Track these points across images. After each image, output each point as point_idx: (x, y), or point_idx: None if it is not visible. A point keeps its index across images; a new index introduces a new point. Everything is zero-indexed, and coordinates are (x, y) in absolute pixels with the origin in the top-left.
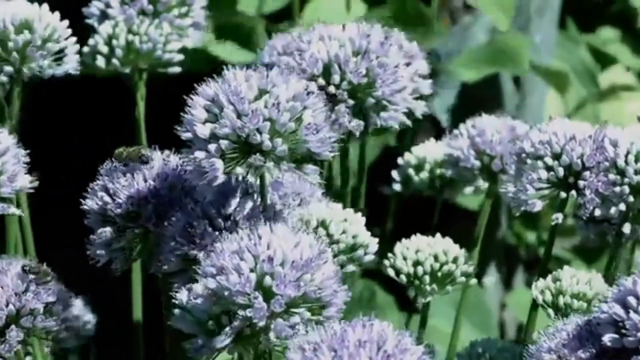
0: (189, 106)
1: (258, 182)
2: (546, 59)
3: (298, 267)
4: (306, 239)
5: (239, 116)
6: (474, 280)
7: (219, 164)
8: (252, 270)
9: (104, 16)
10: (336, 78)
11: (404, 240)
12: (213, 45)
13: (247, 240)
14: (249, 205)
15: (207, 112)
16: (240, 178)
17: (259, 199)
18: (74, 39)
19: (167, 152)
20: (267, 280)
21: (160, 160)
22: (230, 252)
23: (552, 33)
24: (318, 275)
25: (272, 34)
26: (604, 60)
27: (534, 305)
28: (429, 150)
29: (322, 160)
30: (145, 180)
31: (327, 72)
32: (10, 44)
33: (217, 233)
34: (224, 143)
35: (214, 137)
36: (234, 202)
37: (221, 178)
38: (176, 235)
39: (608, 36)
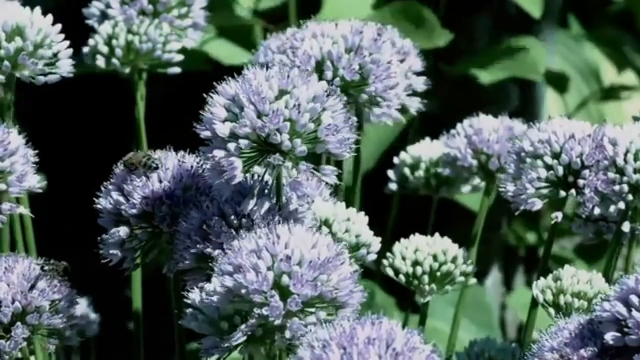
0: (209, 104)
1: (275, 181)
2: (548, 59)
3: (315, 267)
4: (324, 239)
5: (259, 116)
6: (473, 280)
7: (238, 162)
8: (269, 269)
9: (104, 16)
10: (329, 74)
11: (402, 239)
12: (212, 46)
13: (266, 239)
14: (267, 205)
15: (226, 111)
16: (256, 177)
17: (276, 199)
18: (67, 42)
19: (182, 152)
20: (285, 279)
21: (175, 161)
22: (248, 251)
23: (553, 31)
24: (335, 275)
25: (268, 34)
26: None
27: (534, 304)
28: (425, 149)
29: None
30: (160, 181)
31: (319, 69)
32: (2, 52)
33: (232, 231)
34: (243, 142)
35: (234, 136)
36: (251, 201)
37: (239, 177)
38: (192, 233)
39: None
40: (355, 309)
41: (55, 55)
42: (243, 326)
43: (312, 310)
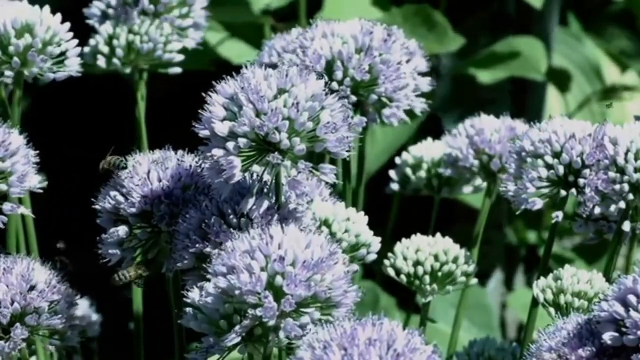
0: (208, 104)
1: (274, 180)
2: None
3: (309, 267)
4: (317, 239)
5: (258, 115)
6: (474, 280)
7: (237, 161)
8: (263, 270)
9: (104, 16)
10: (339, 74)
11: (404, 239)
12: (223, 46)
13: (259, 239)
14: (266, 204)
15: (225, 110)
16: (255, 176)
17: (274, 198)
18: (75, 41)
19: (181, 152)
20: (278, 279)
21: (175, 160)
22: (242, 252)
23: (553, 30)
24: (328, 275)
25: (275, 32)
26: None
27: (534, 304)
28: (427, 150)
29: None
30: (159, 180)
31: (329, 69)
32: (11, 48)
33: (231, 231)
34: (242, 141)
35: (233, 135)
36: (250, 200)
37: (238, 176)
38: (190, 233)
39: (611, 34)
40: (349, 309)
41: (63, 53)
42: (237, 327)
43: (307, 310)
